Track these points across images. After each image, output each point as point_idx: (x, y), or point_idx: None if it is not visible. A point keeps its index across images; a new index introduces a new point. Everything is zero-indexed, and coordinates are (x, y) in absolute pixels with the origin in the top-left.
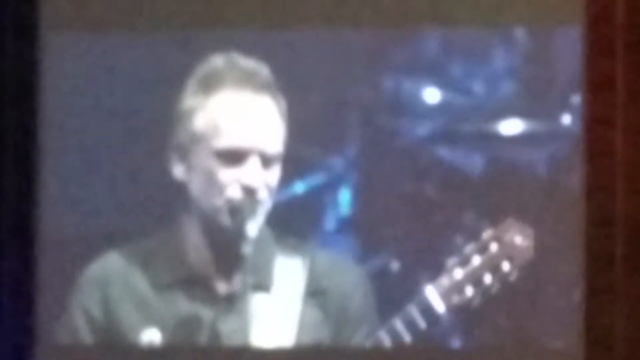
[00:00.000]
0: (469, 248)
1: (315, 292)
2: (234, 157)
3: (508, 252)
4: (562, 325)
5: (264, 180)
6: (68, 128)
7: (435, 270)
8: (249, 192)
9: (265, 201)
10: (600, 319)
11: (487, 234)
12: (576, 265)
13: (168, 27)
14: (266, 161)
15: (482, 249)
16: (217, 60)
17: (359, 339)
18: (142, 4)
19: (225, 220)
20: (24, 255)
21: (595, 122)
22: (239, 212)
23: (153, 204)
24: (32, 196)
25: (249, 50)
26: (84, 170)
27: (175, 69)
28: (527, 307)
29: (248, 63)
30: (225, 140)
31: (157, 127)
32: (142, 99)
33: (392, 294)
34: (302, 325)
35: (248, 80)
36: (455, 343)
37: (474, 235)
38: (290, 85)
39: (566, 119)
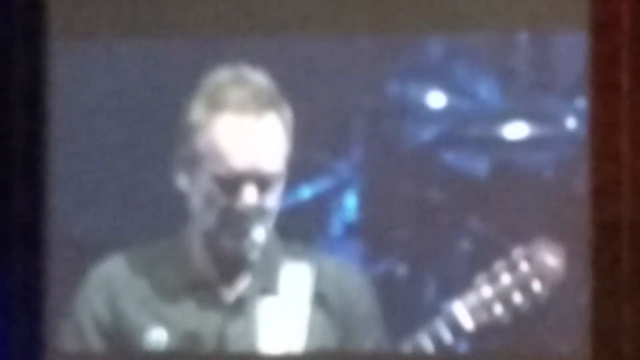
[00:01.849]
0: (498, 265)
1: (322, 297)
2: (230, 182)
3: (539, 271)
4: (569, 329)
5: (261, 204)
6: (76, 134)
7: (443, 275)
8: (245, 217)
9: (264, 221)
10: (608, 321)
11: (517, 252)
12: (583, 269)
13: (175, 35)
14: (264, 184)
15: (512, 267)
16: (224, 75)
17: (366, 344)
18: (149, 13)
19: (224, 237)
20: (33, 261)
21: (601, 125)
22: (237, 233)
23: (160, 210)
24: (41, 202)
25: (255, 58)
26: (92, 176)
27: (183, 77)
28: (534, 311)
29: (255, 78)
30: (223, 165)
31: (164, 135)
32: (150, 105)
33: (399, 297)
34: (310, 330)
35: (252, 100)
36: (463, 347)
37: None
38: (296, 92)
39: (571, 123)
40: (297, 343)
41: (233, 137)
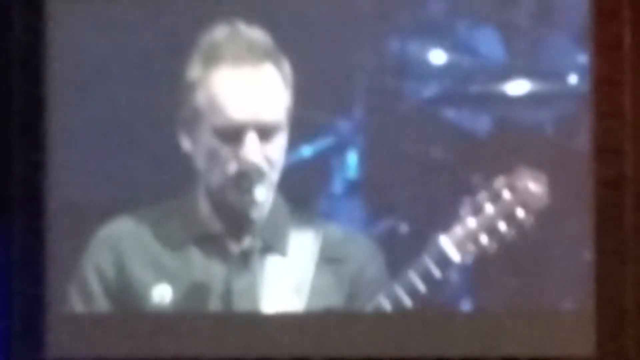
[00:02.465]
0: (481, 196)
1: (329, 260)
2: (231, 133)
3: (522, 198)
4: (573, 285)
5: (263, 154)
6: (76, 97)
7: (448, 224)
8: (249, 167)
9: (268, 172)
10: (611, 280)
11: (499, 181)
12: (585, 227)
13: None
14: (265, 134)
15: (495, 197)
16: (220, 31)
17: (371, 307)
18: None
19: (230, 194)
20: (34, 224)
21: (603, 83)
22: (242, 185)
23: (164, 171)
24: (41, 165)
25: (253, 16)
26: (94, 140)
27: (182, 38)
28: (537, 266)
29: (250, 32)
30: (222, 118)
31: (165, 94)
32: (149, 65)
33: (402, 255)
34: (315, 290)
35: (248, 52)
36: (466, 306)
37: (482, 181)
38: (295, 50)
39: (573, 79)
40: (302, 301)
41: (230, 88)
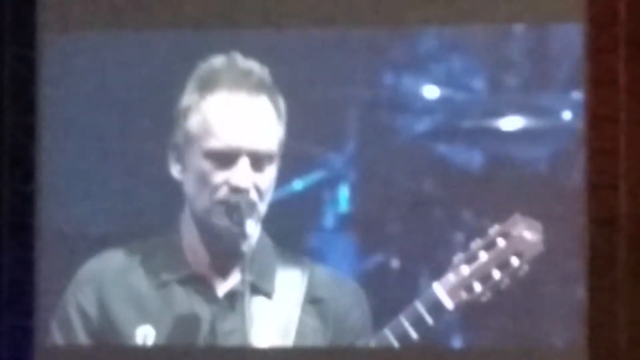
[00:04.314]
0: (475, 244)
1: (314, 301)
2: (223, 158)
3: (517, 247)
4: (565, 325)
5: (253, 181)
6: (67, 126)
7: (436, 267)
8: (239, 193)
9: (257, 202)
10: (603, 318)
11: (493, 229)
12: (579, 265)
13: (169, 27)
14: (257, 162)
15: (489, 245)
16: (217, 61)
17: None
18: (139, 4)
19: (219, 220)
20: (23, 254)
21: (598, 119)
22: (231, 212)
23: (152, 203)
24: (31, 195)
25: (249, 49)
26: (83, 169)
27: (176, 69)
28: (530, 304)
29: (246, 63)
30: (215, 141)
31: (157, 126)
32: (142, 97)
33: (391, 292)
34: (300, 332)
35: (244, 81)
36: (457, 342)
37: (476, 232)
38: (289, 84)
39: (567, 116)
40: (288, 342)
41: (226, 113)
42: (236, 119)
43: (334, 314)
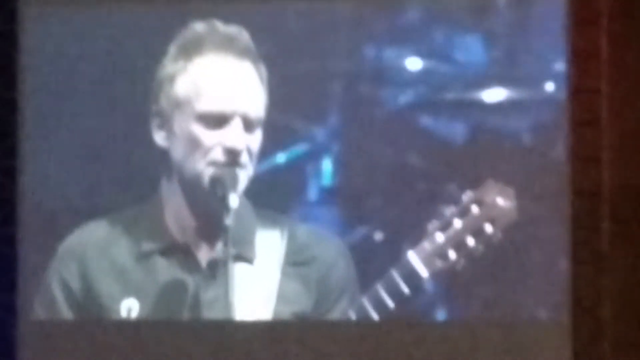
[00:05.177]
0: (450, 212)
1: (295, 264)
2: (216, 120)
3: (490, 213)
4: (549, 295)
5: (246, 143)
6: (48, 100)
7: (418, 238)
8: (232, 154)
9: (247, 166)
10: (587, 289)
11: (467, 196)
12: (562, 235)
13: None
14: (248, 125)
15: (463, 212)
16: (198, 26)
17: (340, 309)
18: None
19: (208, 185)
20: (6, 229)
21: (580, 91)
22: (221, 178)
23: (134, 174)
24: (13, 169)
25: (229, 20)
26: (65, 142)
27: (155, 38)
28: (512, 276)
29: (229, 29)
30: (208, 103)
31: (138, 96)
32: (122, 67)
33: (376, 264)
34: (282, 296)
35: (229, 45)
36: (440, 315)
37: (451, 195)
38: (271, 56)
39: (550, 87)
40: (270, 308)
41: (216, 76)
42: (227, 82)
43: (316, 273)
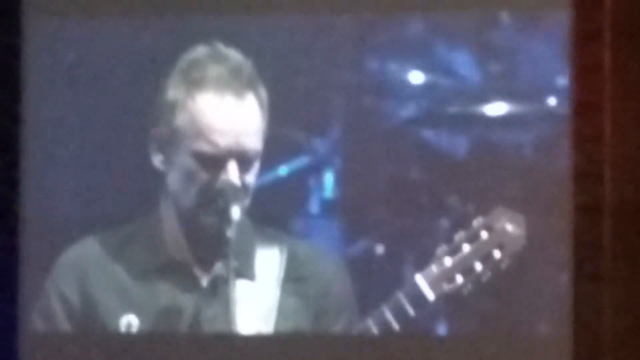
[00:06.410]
0: (459, 236)
1: (294, 280)
2: (212, 160)
3: (499, 239)
4: (549, 312)
5: (242, 182)
6: (51, 113)
7: (420, 254)
8: (227, 193)
9: (244, 198)
10: (588, 305)
11: (477, 221)
12: (564, 252)
13: (151, 14)
14: (246, 162)
15: (473, 237)
16: (201, 51)
17: (340, 327)
18: None
19: (204, 217)
20: (7, 241)
21: (583, 106)
22: (218, 204)
23: (134, 190)
24: (15, 182)
25: (232, 36)
26: (66, 156)
27: (159, 57)
28: (513, 291)
29: (231, 56)
30: (205, 144)
31: (139, 115)
32: (125, 85)
33: (377, 278)
34: (281, 312)
35: (230, 79)
36: (442, 330)
37: (460, 219)
38: (273, 70)
39: (552, 102)
40: (269, 325)
41: (215, 115)
42: (226, 121)
43: (315, 290)
